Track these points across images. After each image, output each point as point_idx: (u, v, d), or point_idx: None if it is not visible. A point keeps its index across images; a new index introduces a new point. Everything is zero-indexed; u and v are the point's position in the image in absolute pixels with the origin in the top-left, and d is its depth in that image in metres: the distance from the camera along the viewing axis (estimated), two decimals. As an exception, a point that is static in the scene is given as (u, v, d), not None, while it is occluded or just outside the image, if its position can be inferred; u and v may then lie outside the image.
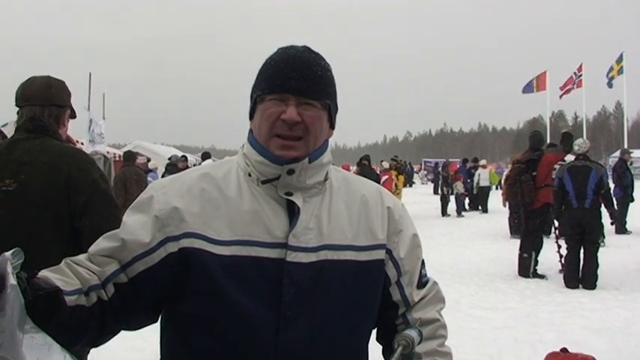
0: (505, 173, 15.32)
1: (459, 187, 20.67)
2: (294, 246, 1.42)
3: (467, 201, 22.03)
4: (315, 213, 1.48)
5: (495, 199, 22.66)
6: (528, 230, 9.40)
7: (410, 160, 68.12)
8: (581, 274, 8.54)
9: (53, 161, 2.59)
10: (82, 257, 1.42)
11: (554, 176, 9.03)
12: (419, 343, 1.49)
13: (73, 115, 2.98)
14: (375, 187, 1.67)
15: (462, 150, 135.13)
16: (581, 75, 28.75)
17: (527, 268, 9.22)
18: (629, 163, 14.90)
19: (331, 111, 1.52)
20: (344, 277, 1.47)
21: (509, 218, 15.00)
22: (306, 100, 1.44)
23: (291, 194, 1.46)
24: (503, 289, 8.48)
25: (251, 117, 1.54)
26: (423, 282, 1.66)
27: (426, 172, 51.54)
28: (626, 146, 23.33)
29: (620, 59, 27.61)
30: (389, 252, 1.57)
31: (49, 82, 2.80)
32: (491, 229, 15.86)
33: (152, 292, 1.42)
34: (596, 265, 8.47)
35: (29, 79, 2.82)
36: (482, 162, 22.63)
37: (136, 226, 1.42)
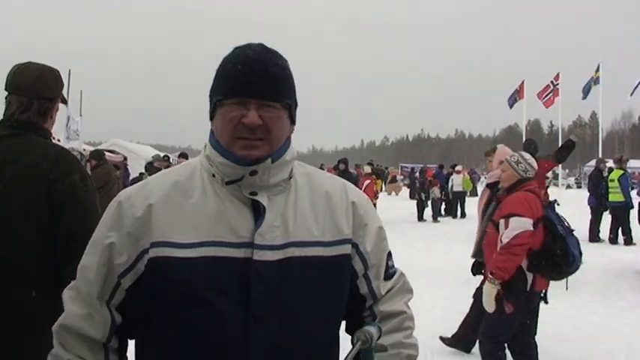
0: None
1: (436, 192, 20.84)
2: (261, 244, 1.44)
3: (443, 206, 22.20)
4: (281, 211, 1.50)
5: (472, 205, 22.91)
6: None
7: (387, 164, 68.43)
8: None
9: (36, 162, 2.42)
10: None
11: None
12: (378, 338, 1.52)
13: (64, 101, 2.81)
14: (339, 182, 1.68)
15: (438, 155, 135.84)
16: (558, 84, 29.08)
17: None
18: (604, 173, 15.15)
19: (292, 108, 1.53)
20: (311, 273, 1.49)
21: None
22: (266, 102, 1.45)
23: (255, 194, 1.48)
24: (478, 295, 8.52)
25: (211, 118, 1.53)
26: (390, 273, 1.69)
27: (402, 177, 51.82)
28: (600, 156, 23.64)
29: (597, 70, 28.03)
30: (355, 246, 1.60)
31: (41, 73, 2.61)
32: (467, 234, 15.94)
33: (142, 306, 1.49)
34: None
35: (22, 64, 2.63)
36: (458, 168, 22.83)
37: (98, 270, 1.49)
